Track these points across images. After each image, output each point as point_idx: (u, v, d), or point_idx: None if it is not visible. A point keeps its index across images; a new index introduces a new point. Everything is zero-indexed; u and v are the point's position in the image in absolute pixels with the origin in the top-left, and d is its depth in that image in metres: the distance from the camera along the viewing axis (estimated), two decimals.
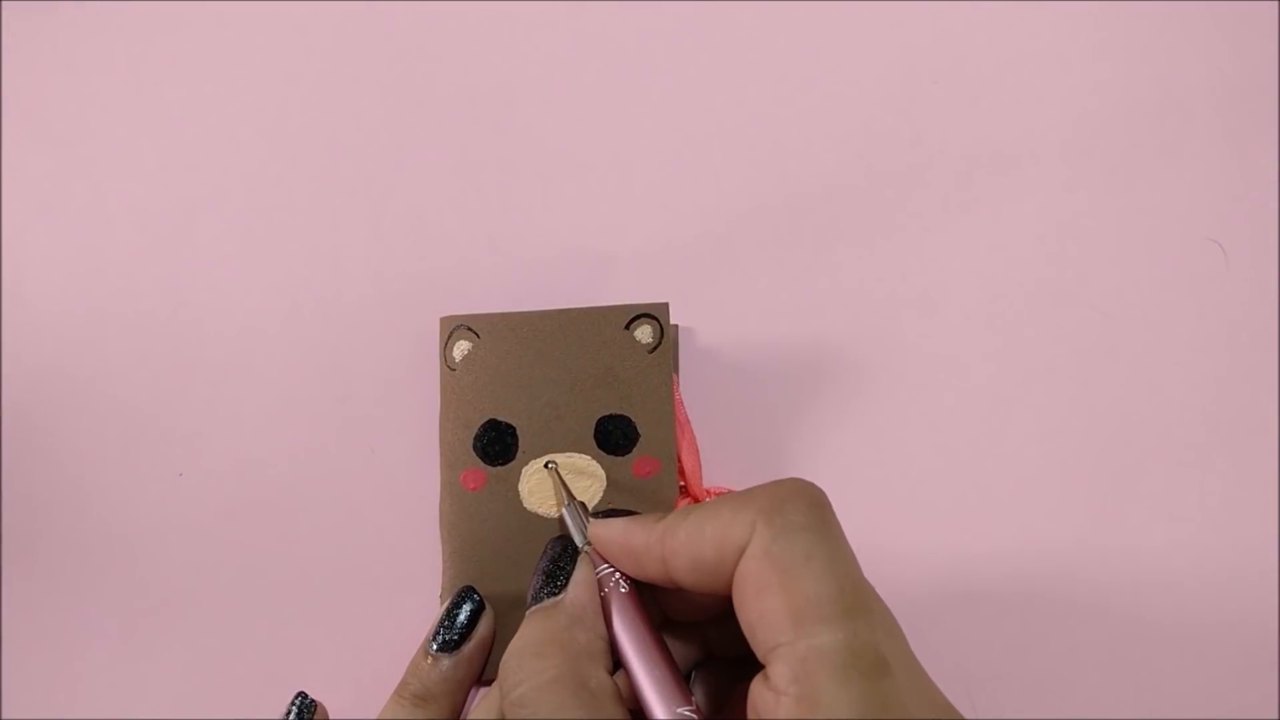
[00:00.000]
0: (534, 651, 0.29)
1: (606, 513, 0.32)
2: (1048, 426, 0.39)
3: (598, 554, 0.32)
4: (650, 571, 0.30)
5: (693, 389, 0.39)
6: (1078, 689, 0.37)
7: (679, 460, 0.37)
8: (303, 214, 0.42)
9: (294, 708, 0.35)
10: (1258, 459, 0.39)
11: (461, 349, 0.37)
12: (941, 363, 0.40)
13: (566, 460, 0.36)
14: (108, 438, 0.40)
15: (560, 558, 0.32)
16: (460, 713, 0.34)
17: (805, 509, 0.27)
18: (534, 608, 0.31)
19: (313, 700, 0.35)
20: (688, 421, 0.37)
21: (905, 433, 0.39)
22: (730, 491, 0.36)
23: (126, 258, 0.41)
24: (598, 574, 0.31)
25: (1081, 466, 0.39)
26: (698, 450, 0.37)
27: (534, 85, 0.43)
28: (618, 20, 0.43)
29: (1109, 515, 0.38)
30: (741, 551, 0.27)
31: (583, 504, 0.34)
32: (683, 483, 0.37)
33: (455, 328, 0.37)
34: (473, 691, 0.35)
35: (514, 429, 0.37)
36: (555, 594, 0.31)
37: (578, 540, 0.33)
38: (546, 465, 0.36)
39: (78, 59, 0.43)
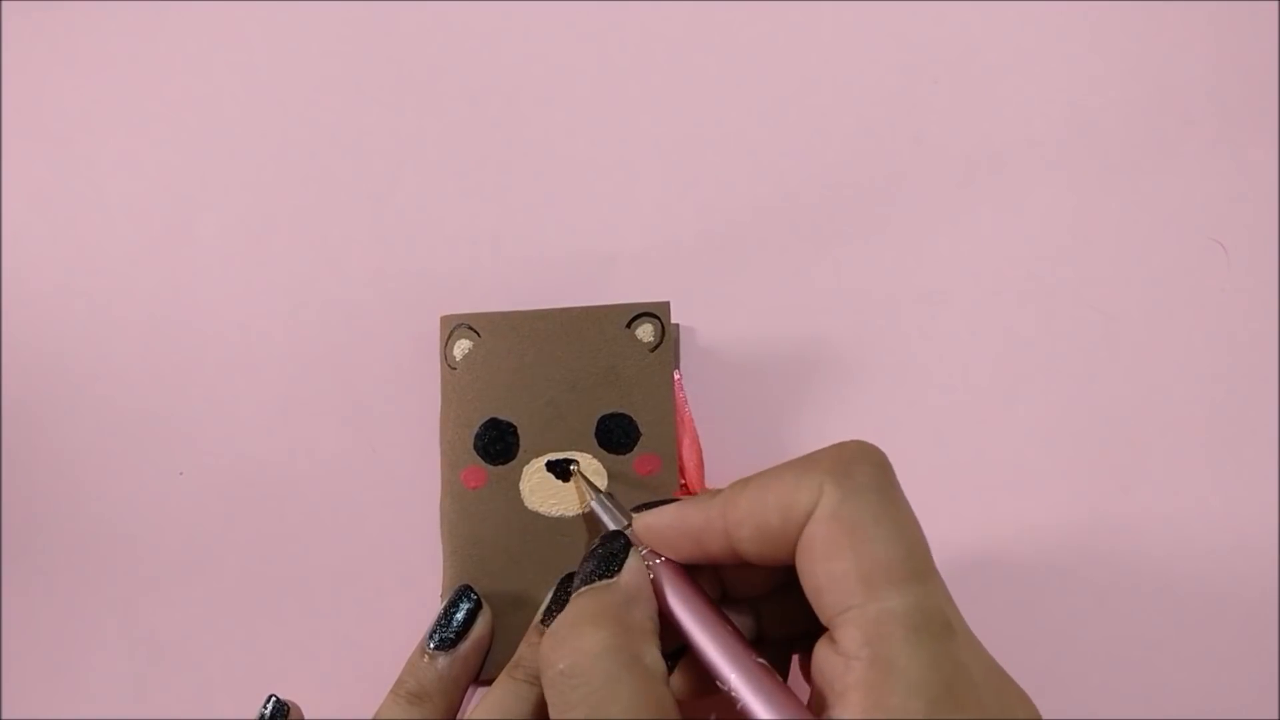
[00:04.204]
0: (588, 621, 0.28)
1: (648, 504, 0.32)
2: (1048, 426, 0.39)
3: (640, 543, 0.31)
4: (712, 549, 0.29)
5: (694, 388, 0.39)
6: (1077, 688, 0.37)
7: (680, 458, 0.37)
8: (303, 213, 0.42)
9: (265, 710, 0.34)
10: (1258, 459, 0.39)
11: (462, 348, 0.37)
12: (942, 361, 0.40)
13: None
14: (108, 437, 0.40)
15: (614, 547, 0.31)
16: (457, 712, 0.34)
17: (871, 470, 0.27)
18: (585, 588, 0.30)
19: (285, 702, 0.34)
20: (690, 420, 0.37)
21: (905, 431, 0.39)
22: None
23: (126, 257, 0.41)
24: (641, 554, 0.31)
25: (1081, 465, 0.39)
26: (700, 448, 0.37)
27: (534, 85, 0.43)
28: (618, 20, 0.43)
29: (1108, 515, 0.38)
30: (808, 515, 0.27)
31: (610, 494, 0.34)
32: (683, 480, 0.37)
33: (456, 326, 0.37)
34: (470, 692, 0.35)
35: (515, 428, 0.36)
36: (609, 577, 0.30)
37: (615, 528, 0.33)
38: (569, 466, 0.36)
39: (78, 59, 0.43)
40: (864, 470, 0.27)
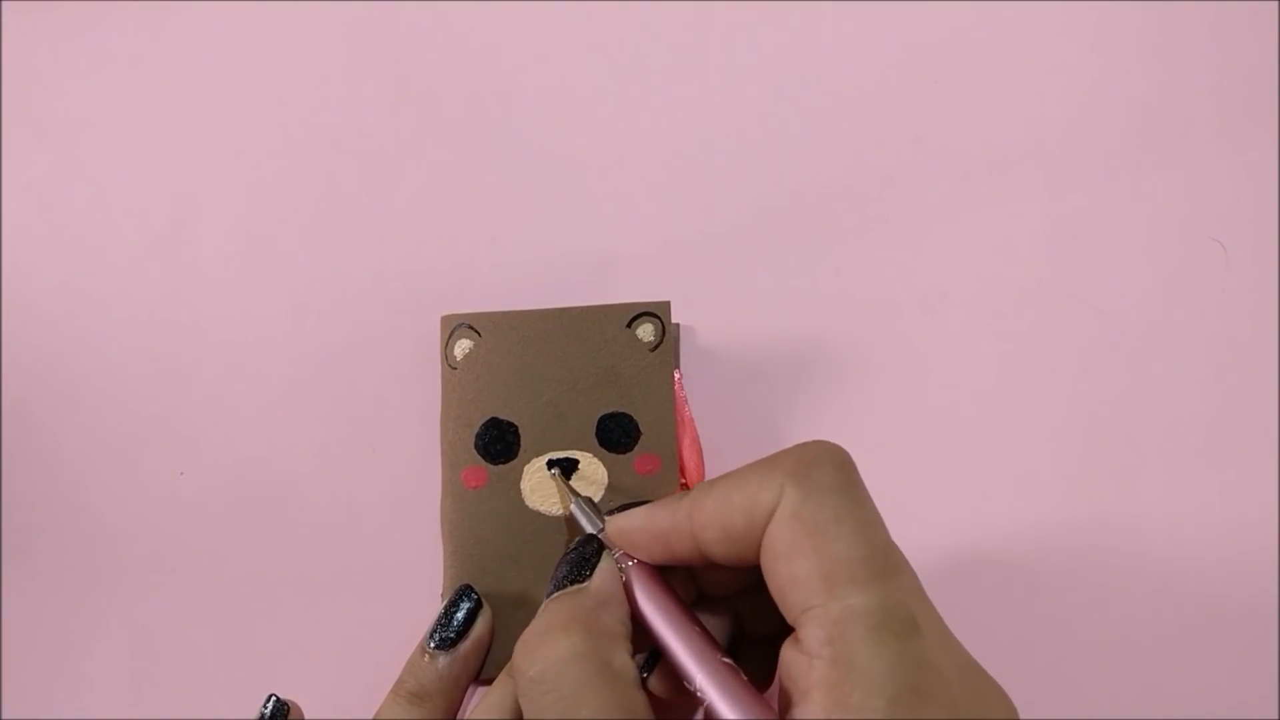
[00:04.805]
0: (558, 628, 0.28)
1: (620, 507, 0.32)
2: (1048, 426, 0.39)
3: (613, 545, 0.31)
4: (680, 550, 0.29)
5: (694, 387, 0.39)
6: (1077, 688, 0.37)
7: (680, 458, 0.37)
8: (304, 213, 0.42)
9: (265, 710, 0.34)
10: (1258, 458, 0.39)
11: (463, 348, 0.37)
12: (942, 361, 0.40)
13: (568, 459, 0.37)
14: (109, 437, 0.40)
15: (587, 551, 0.31)
16: (457, 712, 0.34)
17: (833, 470, 0.27)
18: (557, 594, 0.30)
19: (285, 702, 0.35)
20: (690, 419, 0.37)
21: (905, 431, 0.39)
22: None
23: (127, 257, 0.41)
24: (614, 557, 0.31)
25: (1081, 465, 0.39)
26: (700, 448, 0.37)
27: (534, 85, 0.43)
28: (618, 20, 0.43)
29: (1108, 514, 0.38)
30: (770, 516, 0.27)
31: (589, 499, 0.34)
32: (684, 480, 0.37)
33: (456, 326, 0.37)
34: (470, 692, 0.35)
35: (515, 427, 0.37)
36: (580, 582, 0.30)
37: (592, 528, 0.33)
38: (550, 469, 0.36)
39: (78, 59, 0.43)
40: (825, 470, 0.27)
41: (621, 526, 0.31)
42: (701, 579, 0.32)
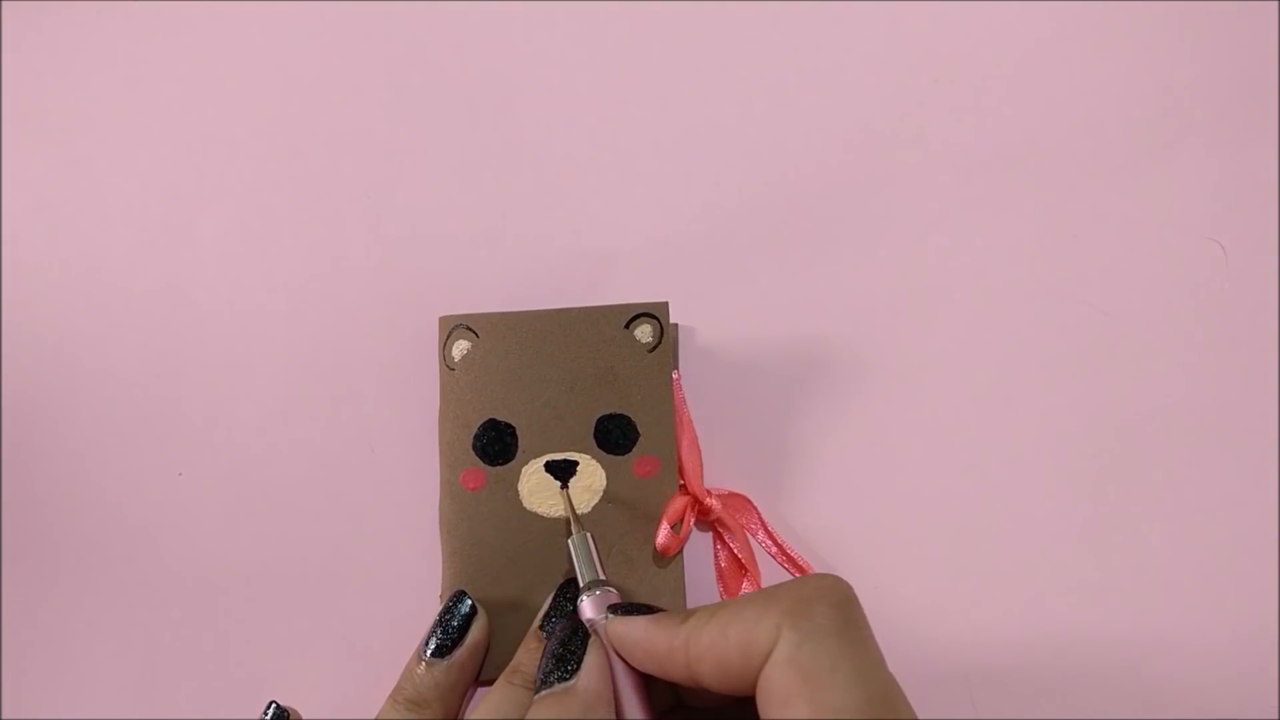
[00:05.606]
0: None
1: (625, 606, 0.31)
2: (1048, 425, 0.39)
3: (605, 639, 0.31)
4: (673, 673, 0.29)
5: (693, 388, 0.39)
6: (1076, 690, 0.37)
7: (679, 459, 0.37)
8: (302, 213, 0.42)
9: (265, 717, 0.34)
10: (1258, 458, 0.39)
11: (461, 348, 0.37)
12: (941, 361, 0.40)
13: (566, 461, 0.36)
14: (107, 438, 0.40)
15: (570, 640, 0.31)
16: (456, 715, 0.34)
17: (831, 611, 0.27)
18: (545, 692, 0.30)
19: (285, 709, 0.35)
20: (689, 420, 0.37)
21: (905, 431, 0.39)
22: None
23: (126, 257, 0.41)
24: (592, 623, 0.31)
25: (1081, 464, 0.39)
26: (699, 449, 0.37)
27: (533, 84, 0.43)
28: (618, 20, 0.43)
29: (1108, 513, 0.38)
30: (766, 656, 0.26)
31: (592, 535, 0.34)
32: (682, 481, 0.37)
33: (454, 327, 0.37)
34: (471, 693, 0.35)
35: (513, 428, 0.36)
36: (566, 678, 0.30)
37: (585, 575, 0.33)
38: (562, 487, 0.36)
39: (77, 59, 0.43)
40: (823, 611, 0.27)
41: (619, 632, 0.31)
42: (684, 692, 0.31)
